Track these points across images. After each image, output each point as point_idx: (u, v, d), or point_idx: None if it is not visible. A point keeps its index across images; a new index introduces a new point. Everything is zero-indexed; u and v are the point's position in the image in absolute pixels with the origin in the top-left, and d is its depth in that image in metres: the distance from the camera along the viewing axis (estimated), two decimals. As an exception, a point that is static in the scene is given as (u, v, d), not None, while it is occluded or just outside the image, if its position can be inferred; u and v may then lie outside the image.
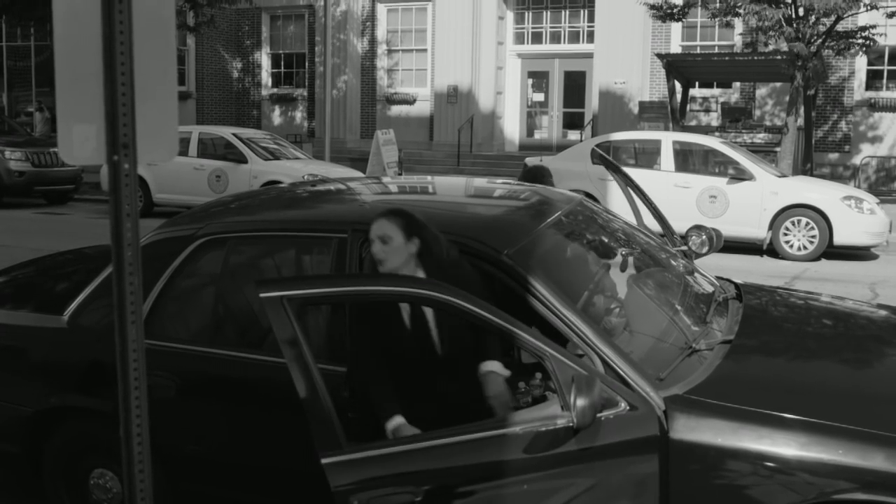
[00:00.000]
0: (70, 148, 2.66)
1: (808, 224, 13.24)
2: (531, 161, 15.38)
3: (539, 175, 6.85)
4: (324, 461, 3.05)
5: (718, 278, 5.05)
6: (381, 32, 26.87)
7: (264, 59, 28.46)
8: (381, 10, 26.76)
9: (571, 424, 3.05)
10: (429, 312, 3.59)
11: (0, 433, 4.56)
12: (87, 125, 2.62)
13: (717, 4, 17.56)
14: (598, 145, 14.97)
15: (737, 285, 4.93)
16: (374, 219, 3.59)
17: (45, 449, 4.46)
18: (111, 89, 2.54)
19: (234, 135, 17.51)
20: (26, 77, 31.14)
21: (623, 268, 4.53)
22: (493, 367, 3.43)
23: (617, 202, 13.82)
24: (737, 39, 22.58)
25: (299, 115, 27.99)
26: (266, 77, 28.53)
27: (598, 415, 3.14)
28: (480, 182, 6.21)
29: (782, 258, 13.32)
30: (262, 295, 3.04)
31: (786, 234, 13.34)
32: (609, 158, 6.64)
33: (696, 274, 4.89)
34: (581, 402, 2.99)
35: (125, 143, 2.58)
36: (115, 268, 2.70)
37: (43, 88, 30.13)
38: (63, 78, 2.65)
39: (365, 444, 3.19)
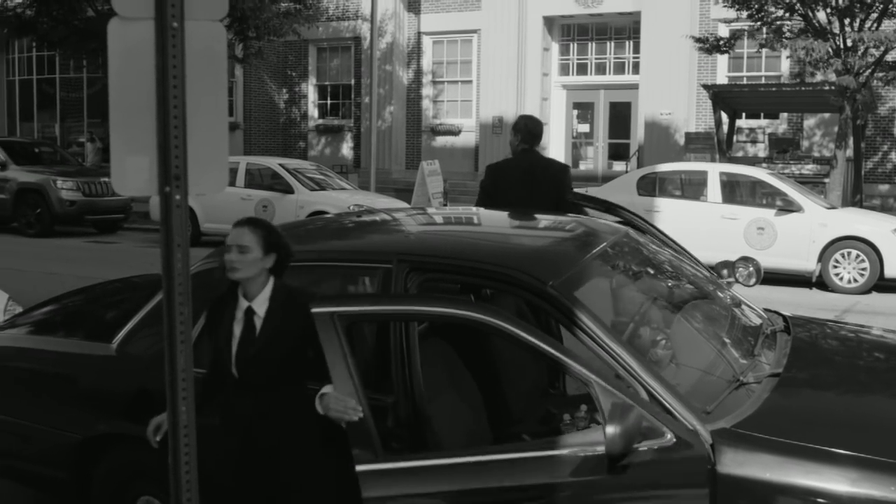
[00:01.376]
0: (123, 179, 2.71)
1: (858, 256, 13.07)
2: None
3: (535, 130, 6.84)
4: (358, 468, 3.15)
5: (766, 310, 4.99)
6: (426, 64, 27.05)
7: (311, 90, 28.76)
8: (427, 41, 26.95)
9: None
10: (259, 327, 3.61)
11: (49, 459, 4.62)
12: (140, 157, 2.67)
13: (765, 35, 17.47)
14: (643, 176, 14.94)
15: (785, 318, 4.88)
16: (235, 225, 3.62)
17: (93, 475, 4.50)
18: (164, 122, 2.59)
19: (281, 165, 17.68)
20: (78, 108, 31.74)
21: (669, 299, 4.50)
22: (328, 389, 3.41)
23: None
24: (784, 70, 22.44)
25: (345, 145, 28.21)
26: (312, 108, 28.80)
27: (642, 445, 3.12)
28: (525, 213, 6.20)
29: (832, 291, 13.14)
30: (314, 310, 3.09)
31: (835, 267, 13.16)
32: (599, 199, 6.64)
33: (743, 306, 4.84)
34: (611, 428, 3.00)
35: (177, 174, 2.63)
36: (165, 297, 2.73)
37: (94, 119, 30.69)
38: (117, 111, 2.71)
39: (400, 454, 3.23)
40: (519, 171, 6.74)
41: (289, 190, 16.82)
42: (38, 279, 12.32)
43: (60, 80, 32.07)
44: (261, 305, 3.59)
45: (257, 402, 3.56)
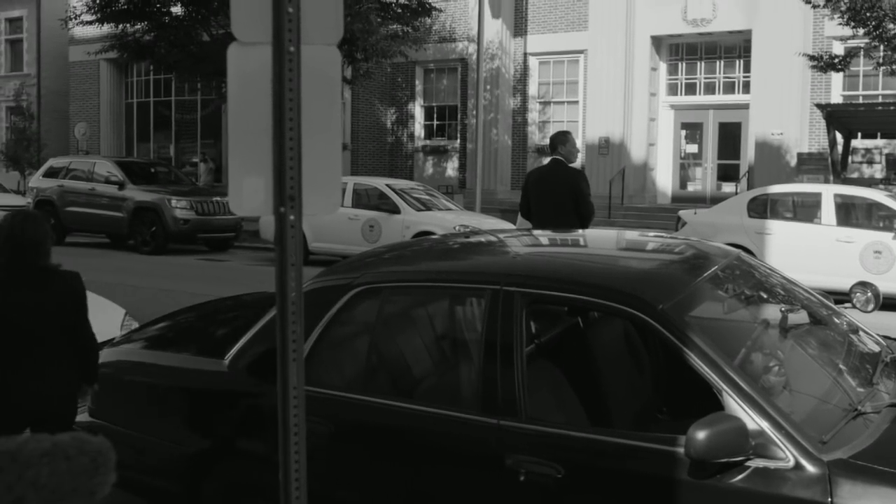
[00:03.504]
0: (240, 199, 2.78)
1: (981, 281, 12.55)
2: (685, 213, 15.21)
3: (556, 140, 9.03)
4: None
5: (885, 337, 4.83)
6: (532, 84, 27.06)
7: (417, 111, 29.04)
8: (534, 62, 26.97)
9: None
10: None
11: (162, 471, 4.74)
12: (256, 178, 2.73)
13: (882, 53, 16.98)
14: (754, 198, 14.64)
15: (905, 345, 4.71)
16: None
17: (204, 489, 4.61)
18: (279, 145, 2.65)
19: (388, 185, 17.88)
20: (192, 129, 32.70)
21: (783, 325, 4.39)
22: None
23: (776, 256, 13.45)
24: (902, 88, 21.77)
25: (450, 166, 28.38)
26: (419, 129, 29.07)
27: (757, 461, 3.19)
28: (633, 235, 6.16)
29: (954, 317, 12.65)
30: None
31: (957, 292, 12.67)
32: None
33: (860, 332, 4.69)
34: (696, 431, 3.12)
35: (291, 195, 2.68)
36: (278, 314, 2.79)
37: (207, 140, 31.59)
38: (235, 133, 2.78)
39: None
40: (542, 175, 9.07)
41: (395, 210, 16.98)
42: (153, 295, 12.70)
43: (176, 103, 33.10)
44: None
45: None
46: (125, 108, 34.72)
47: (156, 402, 4.88)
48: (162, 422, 4.79)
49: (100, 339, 6.38)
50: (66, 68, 35.31)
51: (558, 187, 8.64)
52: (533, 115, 27.11)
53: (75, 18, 22.26)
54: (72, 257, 18.03)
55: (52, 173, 22.12)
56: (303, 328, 2.82)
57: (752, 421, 3.27)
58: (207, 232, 20.20)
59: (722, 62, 24.84)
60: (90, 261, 17.89)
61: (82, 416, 5.17)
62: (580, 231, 6.10)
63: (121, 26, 21.98)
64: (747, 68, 23.87)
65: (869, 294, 5.12)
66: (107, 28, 22.29)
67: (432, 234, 15.14)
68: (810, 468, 3.12)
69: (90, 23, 21.77)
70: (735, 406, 3.34)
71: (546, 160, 9.14)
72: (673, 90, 25.66)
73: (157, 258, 18.81)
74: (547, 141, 27.26)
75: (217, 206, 19.99)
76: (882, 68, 18.22)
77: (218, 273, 16.60)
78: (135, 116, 34.45)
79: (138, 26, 21.88)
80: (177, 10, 21.60)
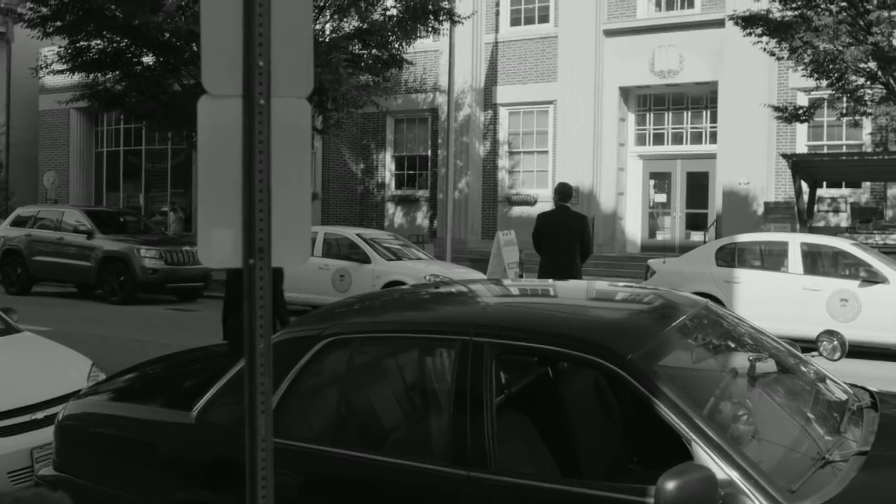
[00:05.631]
0: (209, 251, 2.78)
1: (946, 329, 12.69)
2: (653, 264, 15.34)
3: (565, 191, 11.47)
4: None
5: (852, 385, 4.87)
6: (502, 135, 27.27)
7: (388, 160, 29.14)
8: (503, 112, 27.20)
9: None
10: None
11: (129, 526, 4.67)
12: (225, 229, 2.73)
13: (845, 104, 17.29)
14: (722, 247, 14.77)
15: (872, 393, 4.74)
16: None
17: (172, 543, 4.54)
18: (249, 196, 2.66)
19: (358, 235, 17.88)
20: (162, 179, 32.62)
21: (751, 374, 4.41)
22: None
23: (744, 305, 13.55)
24: (866, 138, 22.10)
25: (421, 215, 28.45)
26: (389, 178, 29.16)
27: None
28: (602, 285, 6.19)
29: (920, 365, 12.77)
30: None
31: (923, 340, 12.80)
32: None
33: (827, 380, 4.73)
34: (666, 481, 3.08)
35: (261, 247, 2.69)
36: (246, 366, 2.77)
37: (178, 189, 31.51)
38: (205, 184, 2.78)
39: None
40: (554, 218, 11.46)
41: (366, 260, 16.97)
42: (121, 346, 12.58)
43: (146, 152, 33.05)
44: None
45: None
46: (95, 157, 34.61)
47: (122, 455, 4.82)
48: (129, 475, 4.72)
49: (66, 390, 6.35)
50: (36, 117, 35.21)
51: (568, 229, 11.13)
52: (503, 165, 27.28)
53: (46, 67, 22.24)
54: (39, 307, 17.88)
55: (19, 222, 21.94)
56: (271, 380, 2.81)
57: (722, 471, 3.28)
58: (177, 281, 20.09)
59: (689, 113, 25.19)
60: (58, 311, 17.72)
61: (47, 470, 5.10)
62: (550, 281, 6.13)
63: (92, 75, 21.97)
64: (714, 119, 24.22)
65: (835, 342, 5.16)
66: (77, 77, 22.27)
67: (403, 283, 15.14)
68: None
69: (61, 72, 21.76)
70: (704, 456, 3.35)
71: (553, 206, 11.71)
72: (641, 140, 25.96)
73: (125, 308, 18.65)
74: (516, 191, 27.42)
75: (186, 256, 19.90)
76: (845, 119, 18.56)
77: (187, 323, 16.48)
78: (104, 165, 34.34)
79: (109, 75, 21.88)
80: (148, 59, 21.63)
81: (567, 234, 11.13)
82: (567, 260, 11.12)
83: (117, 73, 21.72)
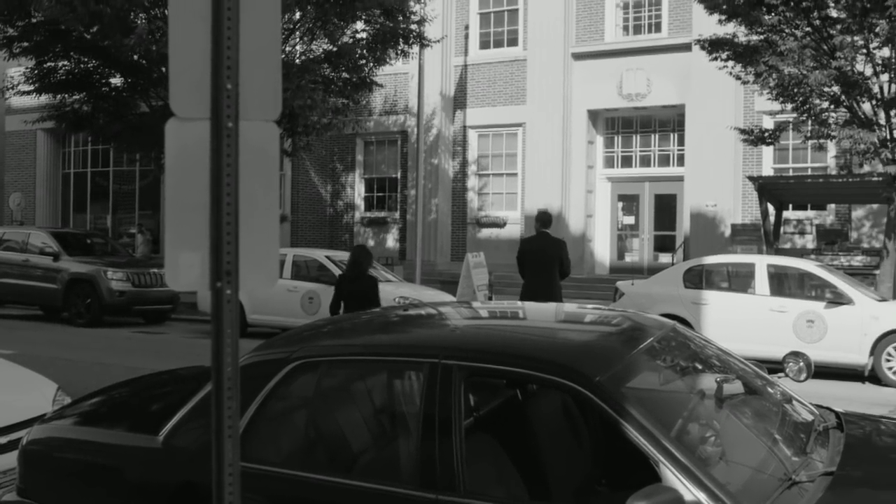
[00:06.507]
0: (176, 274, 2.76)
1: (911, 350, 12.84)
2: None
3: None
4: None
5: (818, 406, 4.90)
6: (471, 157, 27.36)
7: (357, 182, 29.13)
8: (473, 135, 27.30)
9: None
10: None
11: (94, 553, 4.61)
12: (193, 253, 2.72)
13: (810, 127, 17.50)
14: (690, 269, 14.88)
15: (837, 414, 4.78)
16: None
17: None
18: (217, 220, 2.65)
19: (328, 257, 17.84)
20: (130, 200, 32.43)
21: (718, 395, 4.44)
22: None
23: (712, 326, 13.63)
24: (830, 161, 22.38)
25: (391, 237, 28.44)
26: (359, 200, 29.14)
27: None
28: (571, 307, 6.22)
29: (885, 385, 12.87)
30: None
31: (888, 360, 12.92)
32: None
33: (793, 401, 4.76)
34: (632, 502, 3.06)
35: (228, 270, 2.68)
36: (214, 389, 2.76)
37: (145, 211, 31.33)
38: (172, 207, 2.77)
39: None
40: (536, 243, 12.47)
41: (334, 281, 16.88)
42: (87, 369, 12.46)
43: (113, 173, 32.87)
44: None
45: None
46: (62, 179, 34.37)
47: (88, 480, 4.76)
48: (95, 501, 4.67)
49: (30, 414, 6.27)
50: (2, 138, 34.96)
51: (549, 253, 12.20)
52: (472, 188, 27.36)
53: (12, 88, 22.09)
54: (4, 330, 17.68)
55: (-16, 244, 21.73)
56: (238, 404, 2.79)
57: (689, 492, 3.29)
58: (144, 304, 19.93)
59: (657, 136, 25.41)
60: (23, 333, 17.53)
61: (10, 496, 5.03)
62: (519, 303, 6.15)
63: (59, 96, 21.85)
64: (681, 142, 24.44)
65: (801, 364, 5.17)
66: (44, 98, 22.14)
67: (372, 305, 15.10)
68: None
69: (27, 93, 21.62)
70: (672, 477, 3.36)
71: (535, 232, 12.74)
72: (609, 163, 26.13)
73: (91, 331, 18.47)
74: (485, 213, 27.49)
75: (154, 278, 19.76)
76: (810, 142, 18.76)
77: (154, 346, 16.35)
78: (72, 187, 34.11)
79: (76, 96, 21.77)
80: (116, 81, 21.54)
81: (548, 258, 12.16)
82: (548, 281, 12.15)
83: (84, 94, 21.62)
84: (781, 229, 21.35)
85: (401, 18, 21.01)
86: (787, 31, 16.24)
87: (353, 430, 4.51)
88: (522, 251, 12.59)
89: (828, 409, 4.93)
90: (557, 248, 12.33)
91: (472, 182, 27.40)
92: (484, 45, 27.26)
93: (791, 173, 22.81)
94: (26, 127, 28.38)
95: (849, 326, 13.09)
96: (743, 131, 18.86)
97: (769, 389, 4.77)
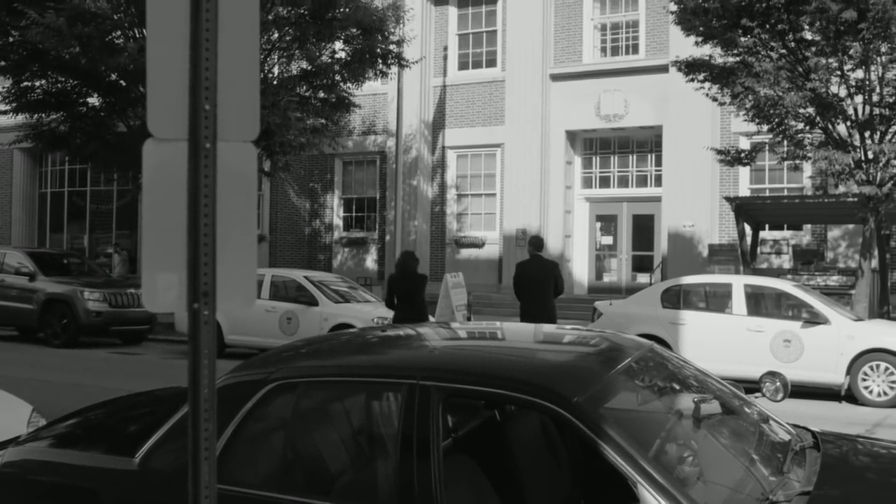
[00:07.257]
0: (154, 295, 2.75)
1: (887, 369, 12.90)
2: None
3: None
4: None
5: (794, 426, 4.93)
6: (450, 178, 27.41)
7: (336, 202, 29.12)
8: (451, 155, 27.37)
9: None
10: None
11: (69, 576, 4.56)
12: (170, 274, 2.71)
13: (785, 148, 17.65)
14: (668, 289, 14.93)
15: (814, 433, 4.80)
16: None
17: (113, 593, 4.44)
18: (194, 240, 2.64)
19: (306, 277, 17.80)
20: (107, 220, 32.28)
21: (696, 415, 4.45)
22: None
23: (689, 346, 13.68)
24: (806, 182, 22.55)
25: (369, 257, 28.42)
26: (337, 220, 29.12)
27: None
28: (549, 328, 6.23)
29: (862, 404, 12.94)
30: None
31: (864, 380, 12.99)
32: None
33: (770, 421, 4.78)
34: None
35: (206, 291, 2.67)
36: (190, 411, 2.74)
37: (123, 231, 31.19)
38: (150, 228, 2.76)
39: None
40: (531, 266, 13.13)
41: (313, 302, 16.88)
42: (63, 390, 12.35)
43: (91, 193, 32.72)
44: None
45: None
46: (38, 198, 34.19)
47: (63, 503, 4.71)
48: (69, 524, 4.62)
49: (4, 436, 6.20)
50: (-22, 157, 34.77)
51: (542, 275, 12.91)
52: (451, 208, 27.40)
53: (-11, 108, 21.98)
54: (-22, 351, 17.50)
55: (-41, 264, 21.54)
56: (215, 425, 2.78)
57: (668, 513, 3.29)
58: (121, 324, 19.81)
59: (634, 156, 25.55)
60: (-3, 355, 17.37)
61: (-16, 520, 4.97)
62: (497, 324, 6.16)
63: (36, 116, 21.75)
64: (659, 162, 24.59)
65: (778, 384, 5.20)
66: (21, 117, 22.03)
67: (351, 326, 15.08)
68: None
69: (4, 112, 21.51)
70: (650, 498, 3.36)
71: (528, 256, 13.45)
72: (588, 183, 26.25)
73: (68, 351, 18.33)
74: (464, 233, 27.53)
75: (131, 299, 19.65)
76: (786, 163, 18.92)
77: (131, 367, 16.23)
78: (48, 206, 33.93)
79: (54, 116, 21.68)
80: (93, 100, 21.47)
81: (541, 280, 12.90)
82: (543, 301, 12.85)
83: (62, 113, 21.53)
84: (758, 249, 21.49)
85: (379, 38, 21.04)
86: (762, 52, 16.40)
87: (331, 452, 4.49)
88: (518, 274, 13.23)
89: (804, 428, 4.95)
90: (550, 270, 13.05)
91: (450, 202, 27.44)
92: (462, 65, 27.38)
93: (767, 194, 22.98)
94: (3, 146, 28.24)
95: (825, 346, 13.16)
96: (720, 152, 19.00)
97: (746, 409, 4.79)
